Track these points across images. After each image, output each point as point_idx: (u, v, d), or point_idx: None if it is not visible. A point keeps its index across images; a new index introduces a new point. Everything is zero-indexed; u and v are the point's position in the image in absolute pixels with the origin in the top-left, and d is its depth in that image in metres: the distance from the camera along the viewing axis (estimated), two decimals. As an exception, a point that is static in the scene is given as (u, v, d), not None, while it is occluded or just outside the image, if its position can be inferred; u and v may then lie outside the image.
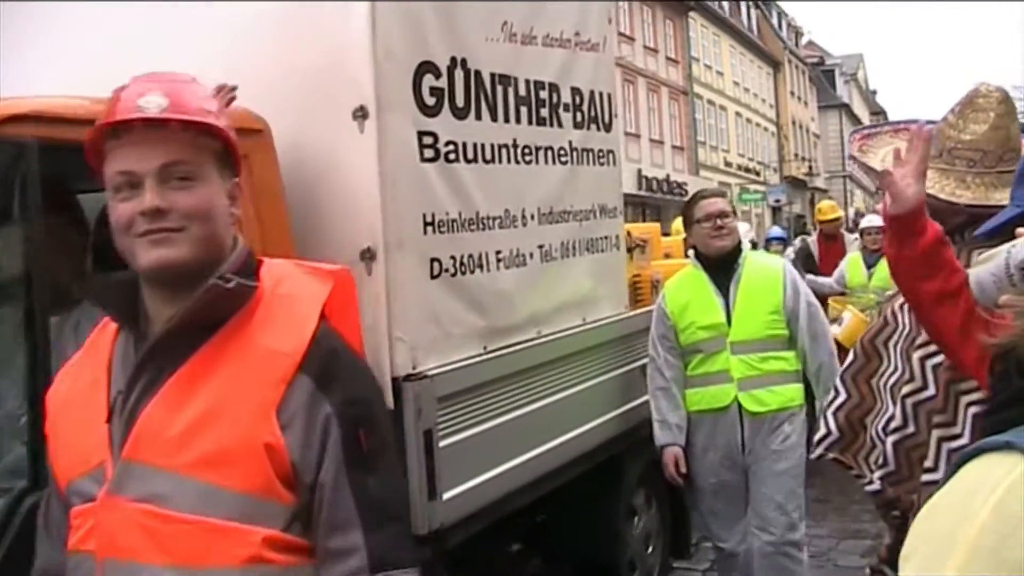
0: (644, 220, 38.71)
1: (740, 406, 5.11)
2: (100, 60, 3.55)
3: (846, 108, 76.04)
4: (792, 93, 64.28)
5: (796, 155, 63.20)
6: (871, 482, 3.20)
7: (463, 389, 4.35)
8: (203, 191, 1.95)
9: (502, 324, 4.69)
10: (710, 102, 50.67)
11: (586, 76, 5.46)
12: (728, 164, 51.69)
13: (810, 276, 9.85)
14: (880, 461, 3.12)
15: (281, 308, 2.00)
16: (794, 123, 64.11)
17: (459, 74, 4.46)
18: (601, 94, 5.61)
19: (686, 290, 5.34)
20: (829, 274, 10.17)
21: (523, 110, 4.89)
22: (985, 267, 2.04)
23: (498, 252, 4.65)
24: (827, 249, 11.02)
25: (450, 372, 4.29)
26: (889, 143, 2.94)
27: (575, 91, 5.34)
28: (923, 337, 2.79)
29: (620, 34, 39.72)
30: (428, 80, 4.28)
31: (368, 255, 4.05)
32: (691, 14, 48.06)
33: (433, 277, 4.28)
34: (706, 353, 5.20)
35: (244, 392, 1.89)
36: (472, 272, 4.48)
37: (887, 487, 3.12)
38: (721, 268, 5.27)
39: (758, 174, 55.51)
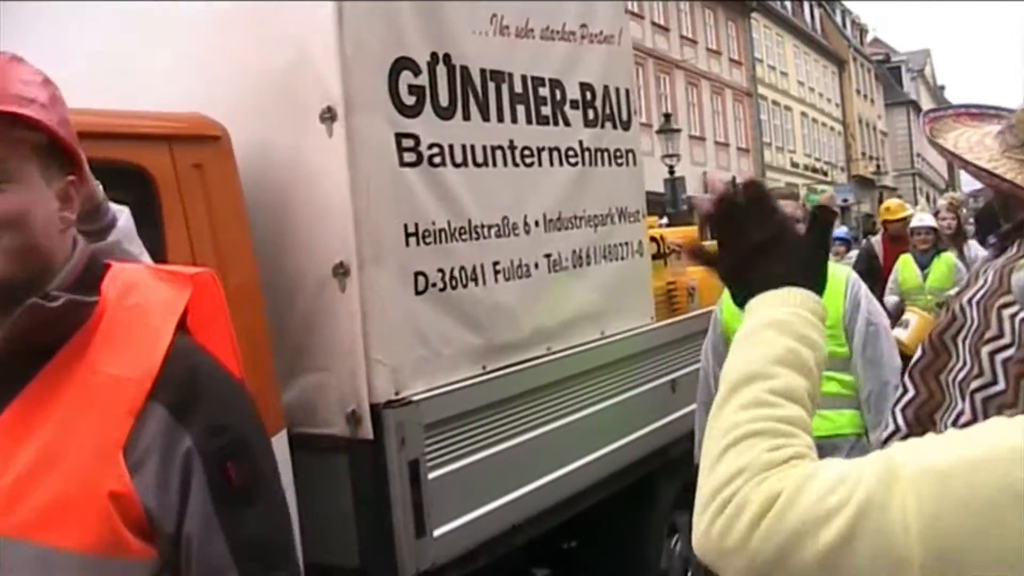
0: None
1: None
2: (55, 64, 3.20)
3: (913, 105, 74.12)
4: (858, 91, 62.80)
5: (863, 154, 61.62)
6: None
7: (457, 414, 3.92)
8: (17, 194, 1.56)
9: (503, 341, 4.25)
10: (775, 103, 49.70)
11: (597, 70, 5.00)
12: (795, 165, 50.62)
13: (889, 298, 9.20)
14: None
15: (128, 324, 1.61)
16: (861, 121, 62.57)
17: (442, 70, 4.03)
18: (617, 90, 5.15)
19: None
20: None
21: (520, 108, 4.44)
22: None
23: (496, 263, 4.21)
24: (892, 251, 10.21)
25: (440, 396, 3.87)
26: (953, 127, 2.79)
27: (584, 87, 4.89)
28: (992, 331, 2.64)
29: (683, 37, 39.29)
30: (406, 78, 3.87)
31: (341, 270, 3.65)
32: (753, 15, 47.20)
33: (418, 292, 3.85)
34: None
35: (83, 431, 1.52)
36: (465, 286, 4.05)
37: None
38: None
39: (825, 174, 54.27)
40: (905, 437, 2.87)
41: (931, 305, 8.77)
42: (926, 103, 76.83)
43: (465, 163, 4.10)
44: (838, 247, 12.46)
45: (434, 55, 4.00)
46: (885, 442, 2.92)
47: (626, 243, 5.14)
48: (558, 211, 4.61)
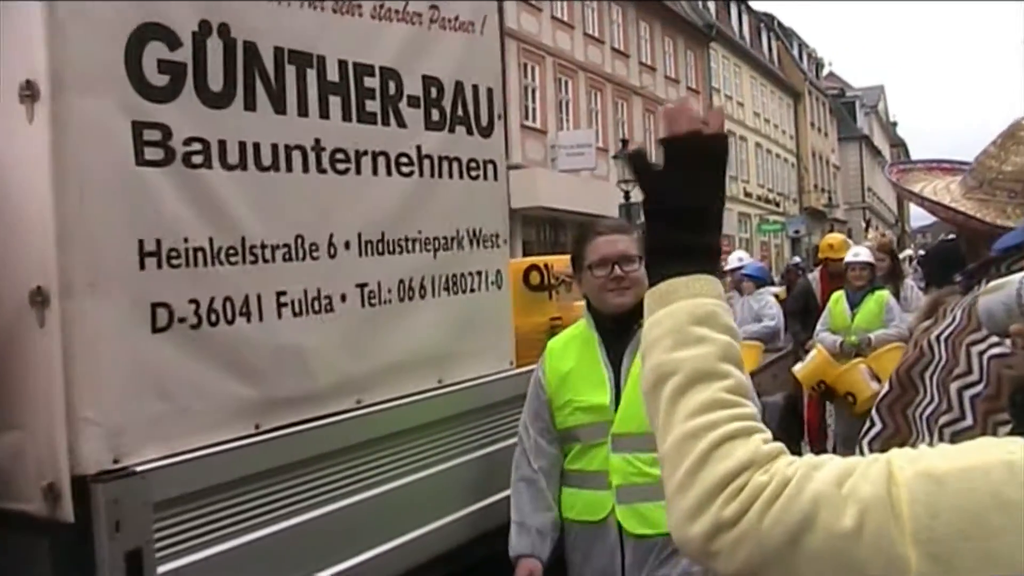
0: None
1: (620, 523, 3.47)
2: None
3: (866, 140, 73.89)
4: (812, 124, 62.22)
5: (816, 186, 61.01)
6: None
7: (208, 488, 2.95)
8: None
9: (289, 393, 3.29)
10: (730, 132, 48.68)
11: (448, 63, 4.05)
12: (748, 194, 49.91)
13: (823, 334, 8.36)
14: None
15: None
16: (814, 154, 61.93)
17: (215, 45, 3.07)
18: (476, 88, 4.20)
19: (570, 356, 3.69)
20: None
21: (334, 101, 3.49)
22: (995, 296, 1.88)
23: (281, 293, 3.25)
24: (831, 289, 9.33)
25: (180, 465, 2.89)
26: (924, 179, 2.92)
27: (430, 81, 3.94)
28: (960, 368, 2.70)
29: (642, 64, 38.71)
30: (155, 50, 2.90)
31: (39, 298, 2.68)
32: (712, 45, 46.60)
33: (157, 330, 2.88)
34: (584, 444, 3.58)
35: None
36: (231, 322, 3.08)
37: None
38: (619, 329, 3.57)
39: (777, 205, 53.61)
40: None
41: (856, 344, 7.98)
42: (879, 138, 76.94)
43: (243, 165, 3.14)
44: (745, 283, 10.64)
45: (204, 25, 3.04)
46: None
47: (479, 272, 4.19)
48: (380, 231, 3.66)
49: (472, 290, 4.14)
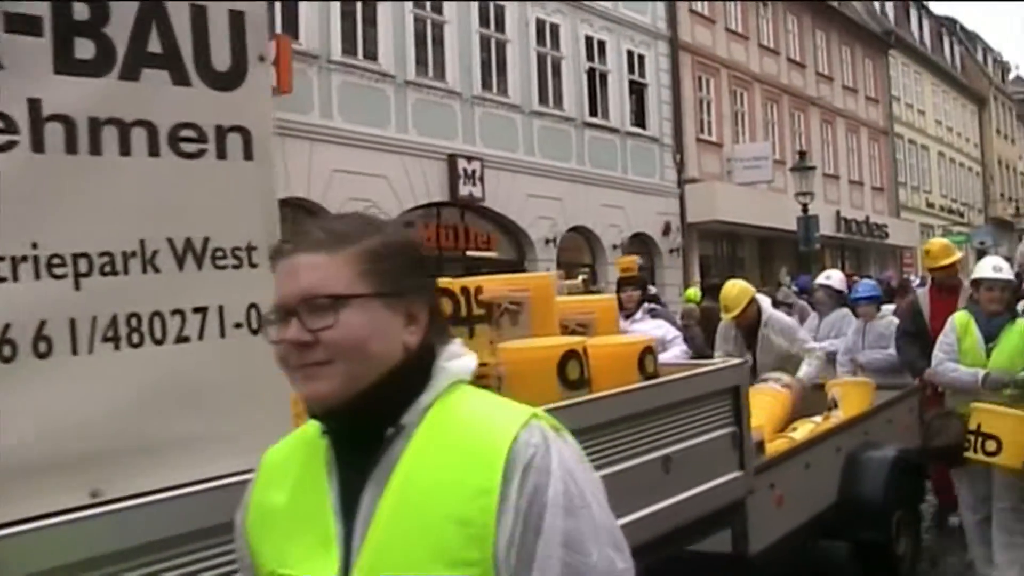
0: (843, 264, 33.84)
1: None
2: None
3: (1058, 146, 67.93)
4: (998, 131, 56.83)
5: (1003, 195, 55.89)
6: None
7: None
8: None
9: None
10: (911, 141, 45.26)
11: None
12: (930, 205, 46.02)
13: (948, 366, 6.04)
14: None
15: None
16: (1000, 162, 56.52)
17: None
18: (199, 10, 2.43)
19: (287, 480, 1.56)
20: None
21: None
22: None
23: None
24: (941, 306, 7.08)
25: None
26: None
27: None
28: None
29: (818, 74, 36.10)
30: None
31: None
32: (891, 52, 43.12)
33: None
34: None
35: None
36: None
37: None
38: (361, 438, 1.47)
39: (962, 215, 49.22)
40: None
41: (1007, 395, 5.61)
42: (1072, 144, 70.42)
43: None
44: (862, 307, 8.43)
45: None
46: None
47: (200, 309, 2.40)
48: None
49: (181, 339, 2.36)
